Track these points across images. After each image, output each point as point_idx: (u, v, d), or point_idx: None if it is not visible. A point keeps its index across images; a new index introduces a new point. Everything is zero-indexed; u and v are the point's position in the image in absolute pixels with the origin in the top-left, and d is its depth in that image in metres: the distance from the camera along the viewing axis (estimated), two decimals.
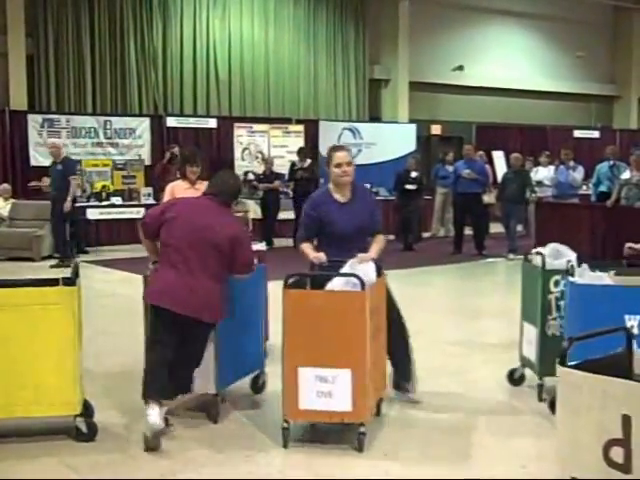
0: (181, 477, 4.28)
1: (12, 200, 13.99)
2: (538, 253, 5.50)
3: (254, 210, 15.56)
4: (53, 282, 4.53)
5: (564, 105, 22.76)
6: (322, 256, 4.95)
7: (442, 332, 7.93)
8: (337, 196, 5.17)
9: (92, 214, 14.54)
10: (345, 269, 4.68)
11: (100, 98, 16.33)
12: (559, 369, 3.23)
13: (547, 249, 5.48)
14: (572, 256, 5.37)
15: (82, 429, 4.68)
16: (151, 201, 14.82)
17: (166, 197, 7.40)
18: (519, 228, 14.86)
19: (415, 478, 4.27)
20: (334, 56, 19.12)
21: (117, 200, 15.01)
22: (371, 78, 19.79)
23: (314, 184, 15.53)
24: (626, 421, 2.83)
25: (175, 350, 4.71)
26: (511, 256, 13.03)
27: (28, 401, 4.53)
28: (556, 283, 5.33)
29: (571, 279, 4.86)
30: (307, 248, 5.11)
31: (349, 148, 5.48)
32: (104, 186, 15.10)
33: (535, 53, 22.22)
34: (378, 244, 5.19)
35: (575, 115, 23.07)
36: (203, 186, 7.41)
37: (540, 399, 5.38)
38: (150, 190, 15.13)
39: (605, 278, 4.90)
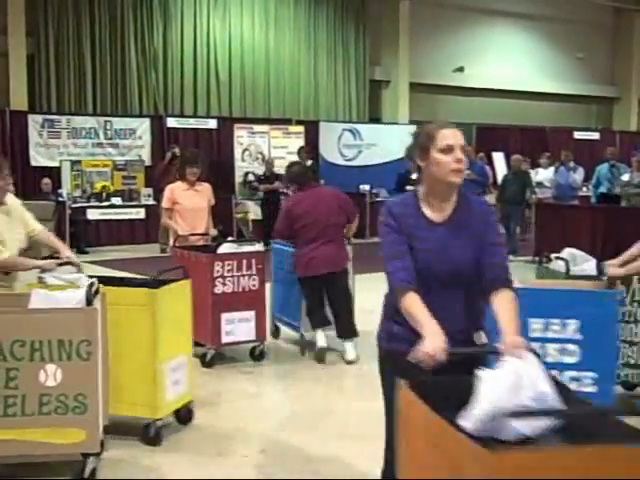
0: (180, 477, 4.29)
1: None
2: (558, 258, 5.30)
3: (254, 211, 15.55)
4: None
5: (564, 106, 22.76)
6: (440, 351, 2.65)
7: None
8: (428, 210, 3.04)
9: (92, 214, 14.53)
10: (504, 378, 2.39)
11: (100, 99, 16.34)
12: None
13: (563, 254, 5.31)
14: (591, 261, 5.24)
15: (150, 433, 4.64)
16: (151, 202, 14.81)
17: (165, 201, 7.39)
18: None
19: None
20: (334, 57, 19.13)
21: (117, 201, 15.00)
22: (371, 79, 19.80)
23: None
24: None
25: (334, 300, 6.74)
26: (511, 257, 13.02)
27: (113, 399, 4.50)
28: None
29: None
30: (418, 312, 2.84)
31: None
32: (104, 186, 15.09)
33: (535, 54, 22.22)
34: (510, 313, 2.84)
35: (575, 116, 23.08)
36: (203, 187, 7.42)
37: None
38: (150, 191, 15.12)
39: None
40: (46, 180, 14.44)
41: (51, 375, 3.96)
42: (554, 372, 4.13)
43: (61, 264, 4.84)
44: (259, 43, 18.04)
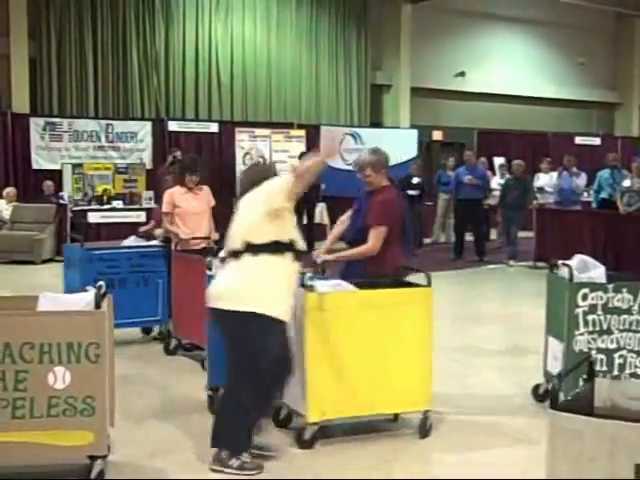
0: (179, 477, 4.31)
1: (14, 203, 14.00)
2: (565, 265, 5.28)
3: None
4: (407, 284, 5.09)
5: (565, 111, 22.76)
6: None
7: (443, 338, 7.90)
8: None
9: (93, 217, 14.52)
10: None
11: (102, 101, 16.35)
12: (550, 413, 2.85)
13: (574, 261, 5.29)
14: (600, 268, 5.24)
15: (427, 425, 4.86)
16: (152, 205, 14.81)
17: (165, 205, 7.37)
18: (494, 236, 15.20)
19: (416, 478, 4.29)
20: (336, 61, 19.14)
21: (118, 204, 14.99)
22: (373, 83, 19.80)
23: (315, 190, 15.55)
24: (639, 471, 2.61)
25: None
26: (511, 262, 13.05)
27: (390, 398, 4.79)
28: (584, 296, 5.09)
29: None
30: None
31: None
32: (105, 190, 15.09)
33: (537, 59, 22.23)
34: None
35: (576, 122, 23.08)
36: (202, 191, 7.42)
37: None
38: (151, 194, 15.13)
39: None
40: (48, 183, 14.46)
41: (60, 377, 3.99)
42: None
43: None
44: (261, 47, 18.05)
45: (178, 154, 14.05)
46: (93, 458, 4.09)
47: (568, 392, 5.08)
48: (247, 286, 4.19)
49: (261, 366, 4.16)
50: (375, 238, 5.18)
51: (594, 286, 5.11)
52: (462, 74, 20.74)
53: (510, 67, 21.55)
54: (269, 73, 18.18)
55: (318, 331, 4.57)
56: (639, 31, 23.37)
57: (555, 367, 5.34)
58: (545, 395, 5.57)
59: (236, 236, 4.24)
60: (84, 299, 4.15)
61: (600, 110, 23.80)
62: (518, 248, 13.30)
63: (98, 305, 4.10)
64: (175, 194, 7.35)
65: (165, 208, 7.37)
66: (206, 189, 7.51)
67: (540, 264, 12.66)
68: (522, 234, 13.60)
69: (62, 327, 4.00)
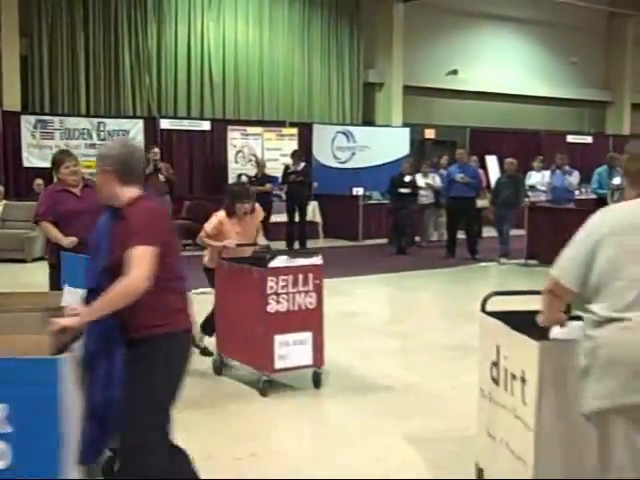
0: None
1: (4, 201, 13.95)
2: None
3: None
4: None
5: (557, 110, 22.80)
6: None
7: (435, 335, 7.93)
8: None
9: None
10: None
11: (94, 99, 16.31)
12: (480, 315, 4.04)
13: None
14: None
15: None
16: None
17: (212, 228, 6.61)
18: (486, 234, 15.11)
19: (416, 478, 4.32)
20: (328, 59, 19.13)
21: None
22: (365, 82, 19.80)
23: (307, 187, 15.54)
24: (497, 349, 3.90)
25: None
26: (503, 260, 13.05)
27: None
28: None
29: None
30: None
31: None
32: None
33: (529, 58, 22.27)
34: None
35: (568, 120, 23.13)
36: (253, 216, 6.81)
37: None
38: None
39: None
40: (38, 181, 14.38)
41: None
42: None
43: None
44: (253, 45, 18.03)
45: (156, 150, 13.92)
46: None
47: None
48: None
49: None
50: (140, 265, 3.17)
51: None
52: (454, 72, 20.76)
53: (502, 66, 21.58)
54: (261, 71, 18.16)
55: None
56: (631, 30, 23.43)
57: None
58: None
59: None
60: None
61: (592, 109, 23.87)
62: (510, 246, 13.31)
63: None
64: (225, 224, 6.61)
65: (211, 230, 6.59)
66: (257, 211, 6.87)
67: (531, 262, 12.71)
68: (514, 232, 13.61)
69: None
